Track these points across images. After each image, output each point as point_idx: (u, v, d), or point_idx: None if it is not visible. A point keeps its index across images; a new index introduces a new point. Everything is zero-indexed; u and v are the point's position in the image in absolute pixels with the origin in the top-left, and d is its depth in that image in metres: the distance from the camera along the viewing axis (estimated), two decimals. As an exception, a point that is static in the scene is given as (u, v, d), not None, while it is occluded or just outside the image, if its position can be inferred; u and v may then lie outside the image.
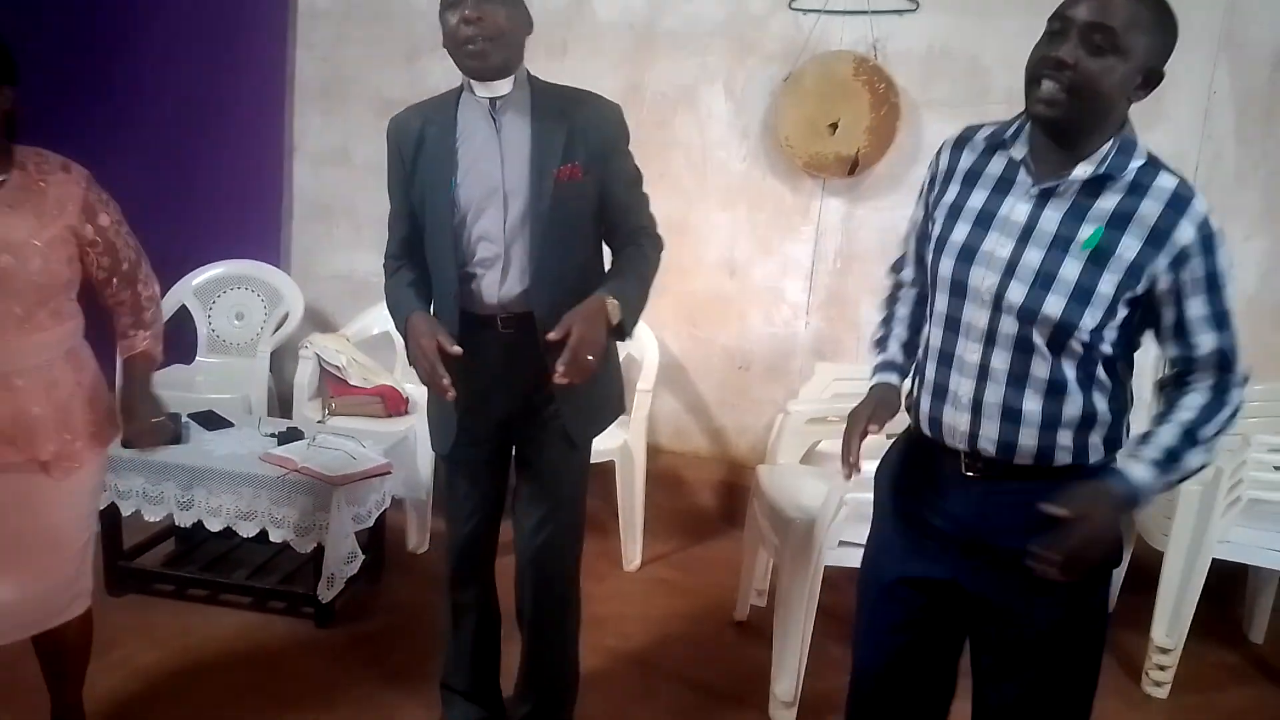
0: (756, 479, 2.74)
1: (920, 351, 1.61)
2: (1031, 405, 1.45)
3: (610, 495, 3.14)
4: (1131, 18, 1.34)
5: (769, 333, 3.49)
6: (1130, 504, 1.41)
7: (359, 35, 3.74)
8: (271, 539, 2.66)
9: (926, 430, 1.56)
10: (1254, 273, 3.04)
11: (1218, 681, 2.71)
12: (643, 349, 3.23)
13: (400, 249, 2.03)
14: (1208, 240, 1.38)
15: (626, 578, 3.16)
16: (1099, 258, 1.39)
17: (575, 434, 2.02)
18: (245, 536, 2.69)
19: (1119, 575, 2.97)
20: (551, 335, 1.77)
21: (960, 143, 1.56)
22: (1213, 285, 1.39)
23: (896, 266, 1.76)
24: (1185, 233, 1.37)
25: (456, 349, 1.83)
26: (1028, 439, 1.46)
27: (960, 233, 1.49)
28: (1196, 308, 1.40)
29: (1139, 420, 1.52)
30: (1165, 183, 1.39)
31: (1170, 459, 1.40)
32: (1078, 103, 1.37)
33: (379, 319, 3.53)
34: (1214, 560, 2.50)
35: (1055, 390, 1.44)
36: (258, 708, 2.35)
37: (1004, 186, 1.47)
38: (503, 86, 1.87)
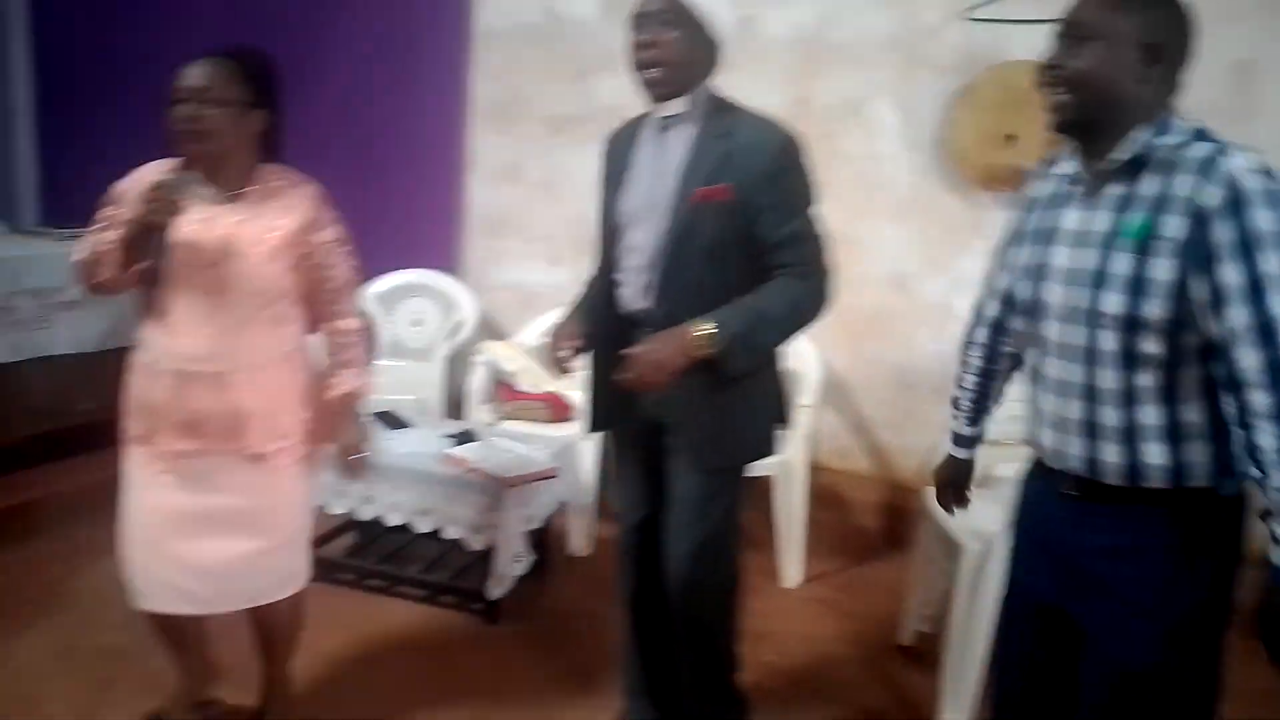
0: (926, 502, 2.66)
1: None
2: (1108, 419, 1.41)
3: (769, 510, 3.12)
4: (1099, 3, 1.39)
5: (937, 350, 3.39)
6: None
7: (531, 55, 3.88)
8: (445, 535, 2.78)
9: (1034, 451, 1.57)
10: None
11: None
12: (805, 364, 3.20)
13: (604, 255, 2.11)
14: (1236, 199, 1.28)
15: (786, 595, 3.13)
16: (1146, 246, 1.34)
17: (694, 457, 1.98)
18: (420, 532, 2.82)
19: None
20: (628, 350, 1.83)
21: (1033, 175, 1.61)
22: (1245, 250, 1.27)
23: (976, 310, 1.75)
24: (1210, 195, 1.30)
25: (569, 339, 2.03)
26: (1110, 455, 1.41)
27: (1028, 254, 1.51)
28: (1229, 275, 1.29)
29: None
30: (1198, 152, 1.34)
31: None
32: (1079, 97, 1.39)
33: (546, 328, 3.65)
34: None
35: (1129, 400, 1.39)
36: (430, 698, 2.45)
37: (1061, 202, 1.49)
38: (674, 106, 1.92)
